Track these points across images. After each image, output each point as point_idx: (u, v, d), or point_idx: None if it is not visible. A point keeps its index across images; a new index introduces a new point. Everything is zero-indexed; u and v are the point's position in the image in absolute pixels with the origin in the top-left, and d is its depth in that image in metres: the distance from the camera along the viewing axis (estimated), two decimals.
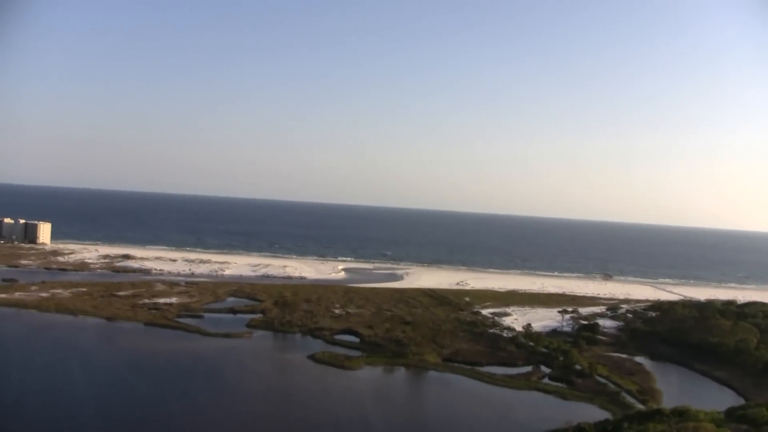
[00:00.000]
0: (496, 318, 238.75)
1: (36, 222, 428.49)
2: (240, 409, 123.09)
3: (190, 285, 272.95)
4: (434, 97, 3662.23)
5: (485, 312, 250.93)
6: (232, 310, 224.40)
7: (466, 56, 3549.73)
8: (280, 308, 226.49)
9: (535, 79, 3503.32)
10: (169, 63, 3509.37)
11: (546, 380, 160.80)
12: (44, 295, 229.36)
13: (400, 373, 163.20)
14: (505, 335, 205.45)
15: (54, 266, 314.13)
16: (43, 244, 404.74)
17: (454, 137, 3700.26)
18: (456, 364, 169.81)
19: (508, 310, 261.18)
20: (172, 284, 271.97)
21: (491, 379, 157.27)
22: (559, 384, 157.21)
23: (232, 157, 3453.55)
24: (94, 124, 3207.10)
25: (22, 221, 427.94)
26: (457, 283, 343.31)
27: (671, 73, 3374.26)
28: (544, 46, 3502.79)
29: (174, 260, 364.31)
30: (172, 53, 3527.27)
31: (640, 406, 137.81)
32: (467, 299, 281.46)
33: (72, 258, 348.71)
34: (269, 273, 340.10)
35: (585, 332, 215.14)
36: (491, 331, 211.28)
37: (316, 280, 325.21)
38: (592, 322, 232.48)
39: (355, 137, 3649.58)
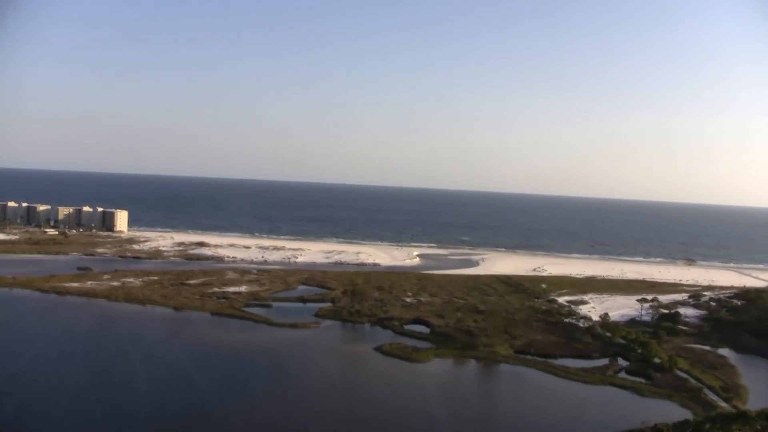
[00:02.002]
0: (572, 306, 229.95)
1: (113, 210, 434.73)
2: (300, 407, 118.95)
3: (262, 273, 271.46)
4: (515, 81, 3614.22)
5: (561, 300, 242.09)
6: (302, 299, 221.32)
7: (551, 41, 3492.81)
8: (349, 297, 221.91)
9: (612, 65, 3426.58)
10: (253, 50, 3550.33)
11: (622, 374, 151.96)
12: (115, 284, 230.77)
13: (470, 366, 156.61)
14: (581, 325, 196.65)
15: (128, 254, 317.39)
16: (120, 232, 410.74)
17: (536, 121, 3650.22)
18: (528, 357, 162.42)
19: (586, 297, 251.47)
20: (243, 272, 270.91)
21: (565, 373, 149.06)
22: (637, 379, 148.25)
23: (312, 142, 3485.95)
24: (173, 113, 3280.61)
25: (100, 209, 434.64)
26: (534, 270, 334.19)
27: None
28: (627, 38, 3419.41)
29: (248, 247, 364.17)
30: (257, 40, 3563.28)
31: (724, 405, 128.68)
32: (543, 286, 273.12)
33: (147, 246, 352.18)
34: (342, 260, 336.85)
35: (665, 322, 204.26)
36: (567, 320, 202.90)
37: (390, 267, 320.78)
38: (672, 311, 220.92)
39: (435, 120, 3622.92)
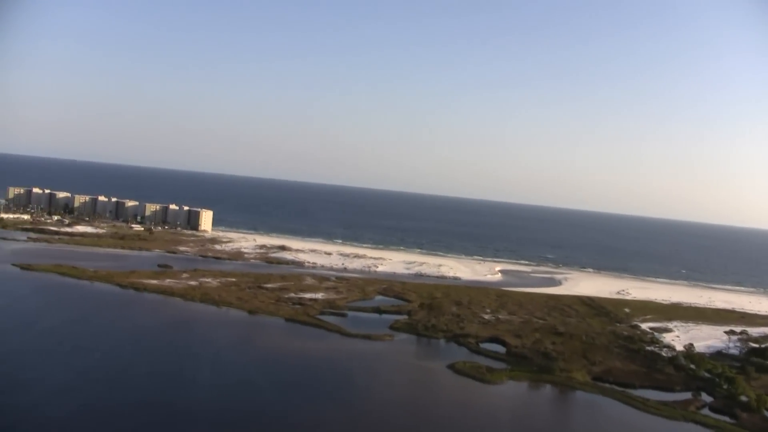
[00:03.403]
0: (655, 334, 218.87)
1: (199, 209, 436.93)
2: (365, 422, 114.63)
3: (340, 280, 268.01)
4: (601, 96, 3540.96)
5: (644, 326, 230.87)
6: (378, 310, 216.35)
7: (625, 56, 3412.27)
8: (426, 310, 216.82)
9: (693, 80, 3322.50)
10: (354, 57, 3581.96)
11: (706, 411, 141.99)
12: (193, 283, 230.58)
13: (545, 391, 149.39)
14: (663, 354, 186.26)
15: (210, 254, 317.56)
16: (204, 231, 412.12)
17: (625, 139, 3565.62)
18: (606, 385, 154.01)
19: (670, 325, 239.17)
20: (321, 278, 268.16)
21: (644, 406, 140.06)
22: (721, 417, 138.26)
23: (406, 152, 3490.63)
24: (266, 116, 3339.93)
25: (186, 208, 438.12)
26: (618, 292, 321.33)
27: None
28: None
29: (329, 254, 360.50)
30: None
31: None
32: (626, 310, 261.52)
33: (228, 247, 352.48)
34: (423, 271, 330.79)
35: (754, 357, 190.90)
36: (649, 348, 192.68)
37: (471, 282, 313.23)
38: (763, 346, 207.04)
39: (527, 135, 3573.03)
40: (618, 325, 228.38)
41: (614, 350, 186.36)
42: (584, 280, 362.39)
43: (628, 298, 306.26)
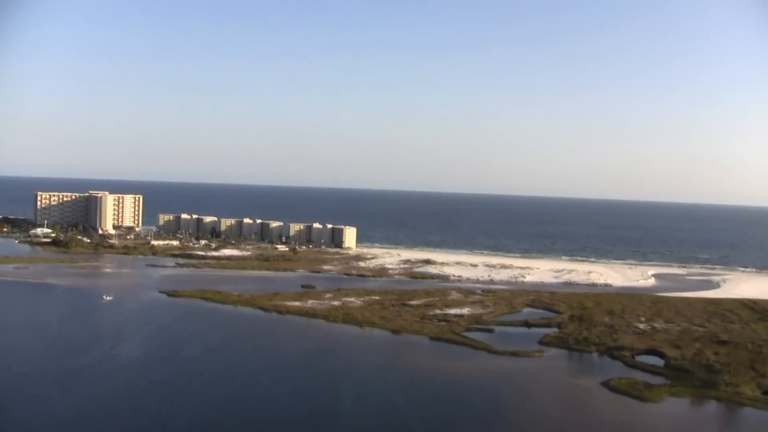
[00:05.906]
0: None
1: (342, 226, 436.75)
2: None
3: (486, 293, 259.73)
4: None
5: None
6: (526, 324, 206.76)
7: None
8: (577, 322, 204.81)
9: None
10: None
11: None
12: (335, 303, 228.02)
13: (709, 408, 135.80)
14: None
15: (353, 272, 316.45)
16: (348, 248, 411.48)
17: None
18: None
19: None
20: (467, 292, 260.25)
21: None
22: None
23: (549, 157, 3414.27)
24: (400, 128, 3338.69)
25: (329, 226, 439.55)
26: None
27: None
28: None
29: (474, 265, 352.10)
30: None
31: None
32: None
33: (372, 263, 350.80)
34: (572, 279, 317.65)
35: None
36: None
37: (622, 288, 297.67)
38: None
39: (676, 129, 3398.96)
40: None
41: None
42: (744, 281, 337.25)
43: None
